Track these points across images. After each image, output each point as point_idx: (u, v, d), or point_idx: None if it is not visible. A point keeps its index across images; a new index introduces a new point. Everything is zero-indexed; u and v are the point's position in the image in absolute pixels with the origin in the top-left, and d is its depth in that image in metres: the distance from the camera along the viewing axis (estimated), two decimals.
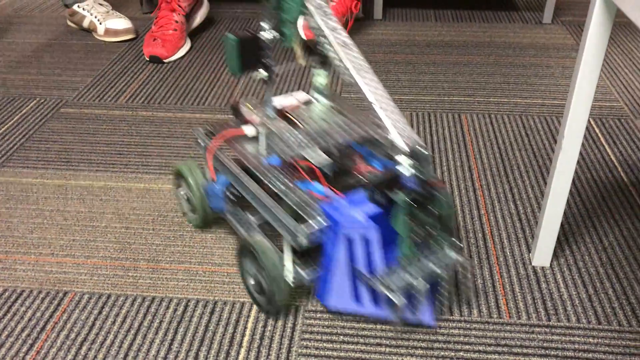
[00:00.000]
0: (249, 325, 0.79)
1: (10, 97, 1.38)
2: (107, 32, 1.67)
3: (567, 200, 1.03)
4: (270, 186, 0.80)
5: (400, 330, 0.78)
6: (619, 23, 1.78)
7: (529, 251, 0.92)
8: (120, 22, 1.68)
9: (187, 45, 1.62)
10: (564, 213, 1.00)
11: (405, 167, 0.68)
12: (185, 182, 0.94)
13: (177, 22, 1.60)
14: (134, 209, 1.01)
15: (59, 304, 0.82)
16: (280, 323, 0.79)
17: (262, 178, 0.81)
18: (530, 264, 0.90)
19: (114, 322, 0.80)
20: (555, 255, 0.91)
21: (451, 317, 0.81)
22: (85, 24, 1.71)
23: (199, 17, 1.71)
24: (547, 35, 1.71)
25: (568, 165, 0.80)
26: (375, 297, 0.75)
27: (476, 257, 0.91)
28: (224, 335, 0.78)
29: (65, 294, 0.84)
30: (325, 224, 0.73)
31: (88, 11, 1.70)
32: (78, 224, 0.98)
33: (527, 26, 1.78)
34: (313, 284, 0.83)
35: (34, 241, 0.94)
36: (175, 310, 0.82)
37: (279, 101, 0.93)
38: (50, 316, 0.81)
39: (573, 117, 0.76)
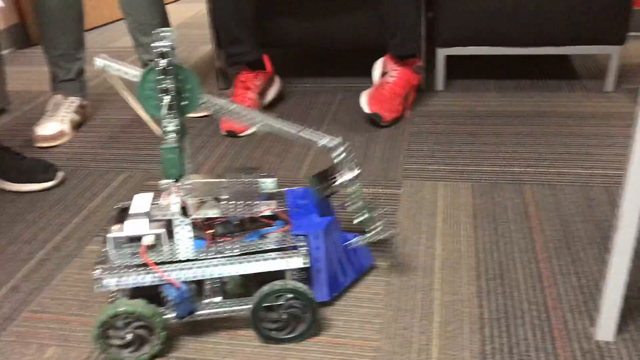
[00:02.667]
0: None
1: (103, 170, 1.53)
2: None
3: (631, 272, 1.04)
4: (231, 252, 0.93)
5: None
6: None
7: (593, 325, 0.94)
8: None
9: None
10: (629, 285, 1.01)
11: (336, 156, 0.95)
12: (138, 318, 0.89)
13: (251, 99, 1.73)
14: None
15: None
16: None
17: (216, 255, 0.92)
18: (594, 338, 0.91)
19: None
20: (619, 329, 0.92)
21: None
22: None
23: (271, 94, 1.84)
24: (609, 104, 1.74)
25: (627, 241, 0.83)
26: (351, 266, 1.03)
27: (539, 331, 0.93)
28: None
29: None
30: (305, 241, 0.94)
31: None
32: None
33: (588, 95, 1.81)
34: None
35: None
36: None
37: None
38: None
39: (630, 195, 0.79)
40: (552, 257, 1.10)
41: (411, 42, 1.74)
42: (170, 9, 1.98)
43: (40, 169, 1.45)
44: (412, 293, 1.03)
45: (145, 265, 0.90)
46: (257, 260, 0.92)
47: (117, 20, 3.05)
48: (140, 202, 0.97)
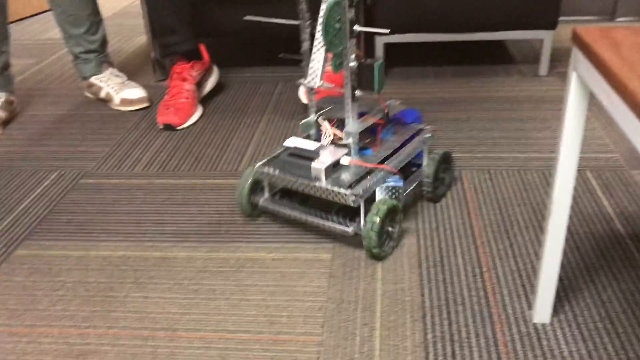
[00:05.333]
0: None
1: (33, 169, 1.46)
2: (123, 102, 1.76)
3: (566, 255, 1.07)
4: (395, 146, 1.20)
5: None
6: None
7: (530, 308, 0.96)
8: (135, 92, 1.77)
9: (199, 112, 1.70)
10: (563, 267, 1.04)
11: None
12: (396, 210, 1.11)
13: (188, 90, 1.68)
14: (151, 278, 1.07)
15: None
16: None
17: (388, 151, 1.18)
18: (531, 320, 0.93)
19: None
20: (555, 311, 0.94)
21: None
22: (102, 94, 1.80)
23: (209, 84, 1.80)
24: (543, 88, 1.78)
25: (559, 225, 0.84)
26: None
27: (479, 317, 0.95)
28: None
29: None
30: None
31: (105, 82, 1.80)
32: (99, 294, 1.03)
33: (524, 79, 1.85)
34: None
35: (57, 313, 0.99)
36: None
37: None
38: None
39: (560, 182, 0.81)
40: (491, 241, 1.12)
41: None
42: None
43: None
44: (355, 284, 1.03)
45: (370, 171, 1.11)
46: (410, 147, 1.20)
47: (47, 11, 2.92)
48: (301, 144, 1.14)
